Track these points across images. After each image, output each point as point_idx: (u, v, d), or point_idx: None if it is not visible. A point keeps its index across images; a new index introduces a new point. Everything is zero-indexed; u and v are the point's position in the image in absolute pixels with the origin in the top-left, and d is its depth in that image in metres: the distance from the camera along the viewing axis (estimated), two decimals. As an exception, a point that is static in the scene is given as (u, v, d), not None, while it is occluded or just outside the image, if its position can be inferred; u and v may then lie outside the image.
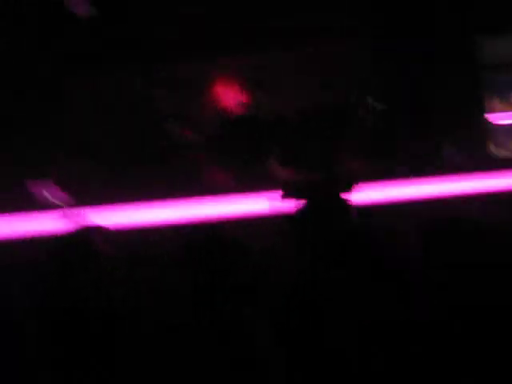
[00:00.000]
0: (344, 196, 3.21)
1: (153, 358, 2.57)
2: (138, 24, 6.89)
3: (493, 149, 5.73)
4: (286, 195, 3.33)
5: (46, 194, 5.06)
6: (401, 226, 3.28)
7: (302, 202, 3.12)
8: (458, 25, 5.97)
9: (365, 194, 3.59)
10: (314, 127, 5.99)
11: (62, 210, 4.47)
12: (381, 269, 2.74)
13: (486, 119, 5.83)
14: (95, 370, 2.60)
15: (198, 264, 2.51)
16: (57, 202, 4.97)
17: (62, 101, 7.92)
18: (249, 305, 2.45)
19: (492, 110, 5.92)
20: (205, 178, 5.21)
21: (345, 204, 3.15)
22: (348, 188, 3.26)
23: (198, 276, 2.50)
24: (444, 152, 5.07)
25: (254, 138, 5.28)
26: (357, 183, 3.61)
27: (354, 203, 3.22)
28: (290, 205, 3.21)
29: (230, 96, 7.18)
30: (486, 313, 2.55)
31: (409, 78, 5.98)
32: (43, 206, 4.76)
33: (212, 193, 4.30)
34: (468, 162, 4.89)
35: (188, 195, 4.38)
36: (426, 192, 4.08)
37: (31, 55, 7.09)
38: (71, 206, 4.57)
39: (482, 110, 5.89)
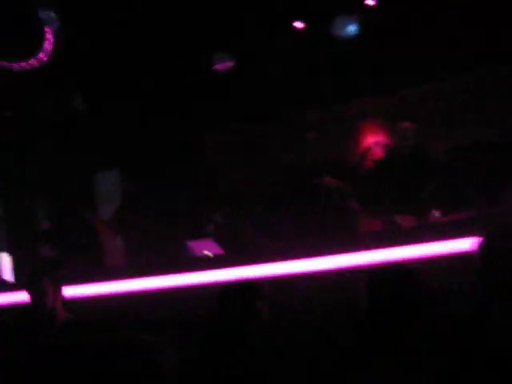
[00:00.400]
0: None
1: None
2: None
3: None
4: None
5: (204, 251, 5.15)
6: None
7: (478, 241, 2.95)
8: None
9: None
10: (473, 164, 5.72)
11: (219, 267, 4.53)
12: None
13: None
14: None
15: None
16: (213, 259, 5.04)
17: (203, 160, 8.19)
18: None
19: None
20: (359, 226, 5.08)
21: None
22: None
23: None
24: None
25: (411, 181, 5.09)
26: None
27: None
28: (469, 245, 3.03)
29: (379, 139, 7.04)
30: None
31: None
32: (202, 263, 4.84)
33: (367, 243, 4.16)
34: None
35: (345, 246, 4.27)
36: None
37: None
38: (228, 263, 4.60)
39: None
